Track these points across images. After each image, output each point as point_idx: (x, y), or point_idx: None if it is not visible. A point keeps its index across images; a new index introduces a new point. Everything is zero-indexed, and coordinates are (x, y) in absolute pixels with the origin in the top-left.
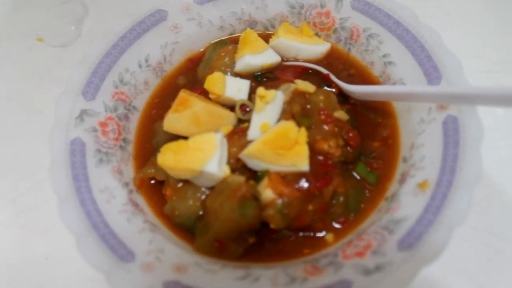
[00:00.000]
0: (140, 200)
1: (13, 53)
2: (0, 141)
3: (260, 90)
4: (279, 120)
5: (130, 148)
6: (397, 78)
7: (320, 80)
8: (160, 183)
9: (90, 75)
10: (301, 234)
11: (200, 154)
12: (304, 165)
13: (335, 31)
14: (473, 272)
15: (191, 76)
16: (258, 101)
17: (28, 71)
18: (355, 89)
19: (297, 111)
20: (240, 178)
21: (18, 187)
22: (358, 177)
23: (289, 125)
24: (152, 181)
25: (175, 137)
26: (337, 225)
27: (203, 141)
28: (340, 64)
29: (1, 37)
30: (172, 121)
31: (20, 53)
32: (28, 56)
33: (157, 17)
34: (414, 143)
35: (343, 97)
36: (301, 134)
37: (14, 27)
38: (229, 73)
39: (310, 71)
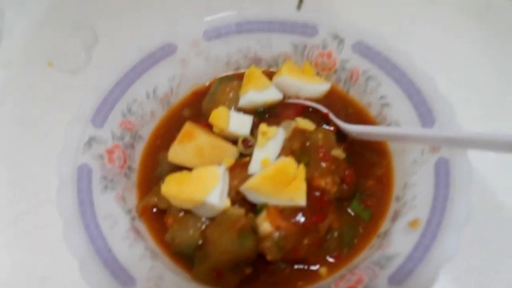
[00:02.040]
0: (142, 227)
1: (23, 77)
2: (5, 163)
3: (263, 127)
4: (279, 155)
5: (134, 176)
6: (393, 120)
7: (320, 118)
8: (162, 212)
9: (100, 103)
10: (295, 266)
11: (202, 185)
12: (301, 200)
13: (335, 71)
14: None
15: (195, 108)
16: (260, 137)
17: (37, 95)
18: (353, 129)
19: (297, 148)
20: (240, 211)
21: (21, 208)
22: (352, 214)
23: (289, 162)
24: (154, 210)
25: (178, 168)
26: (330, 259)
27: (206, 173)
28: (339, 103)
29: (12, 62)
30: (176, 152)
31: (31, 78)
32: (39, 81)
33: (166, 51)
34: (407, 183)
35: (341, 136)
36: (300, 171)
37: (26, 52)
38: (233, 108)
39: (310, 109)
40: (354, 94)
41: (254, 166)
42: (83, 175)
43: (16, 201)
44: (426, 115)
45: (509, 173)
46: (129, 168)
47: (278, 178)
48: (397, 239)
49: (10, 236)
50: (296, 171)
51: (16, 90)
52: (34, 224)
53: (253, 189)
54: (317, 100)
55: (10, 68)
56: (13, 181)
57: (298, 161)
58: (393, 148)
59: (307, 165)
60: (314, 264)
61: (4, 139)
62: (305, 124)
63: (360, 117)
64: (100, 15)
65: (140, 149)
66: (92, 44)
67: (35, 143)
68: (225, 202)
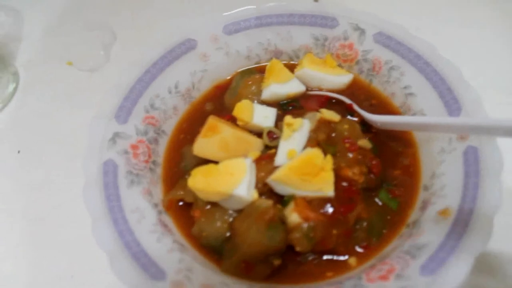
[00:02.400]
0: (169, 221)
1: (44, 76)
2: (30, 160)
3: (288, 119)
4: (305, 147)
5: (159, 170)
6: (418, 109)
7: (344, 110)
8: (188, 205)
9: (122, 99)
10: (324, 257)
11: (230, 178)
12: (329, 191)
13: (357, 62)
14: None
15: (218, 102)
16: (285, 129)
17: (58, 93)
18: (377, 119)
19: (323, 139)
20: (268, 202)
21: (48, 206)
22: (380, 204)
23: (316, 152)
24: (180, 203)
25: (202, 161)
26: (360, 250)
27: (233, 166)
28: (362, 94)
29: (33, 61)
30: (201, 146)
31: (51, 76)
32: (59, 80)
33: (187, 46)
34: (435, 172)
35: (365, 126)
36: (327, 161)
37: (46, 52)
38: (256, 101)
39: (334, 100)
40: (377, 84)
41: (280, 158)
42: (109, 171)
43: (43, 199)
44: (452, 103)
45: None
46: (154, 162)
47: (305, 169)
48: (428, 228)
49: (39, 233)
50: (323, 162)
51: (37, 89)
52: (62, 221)
53: (280, 180)
54: (340, 92)
55: (30, 68)
56: (38, 179)
57: (325, 152)
58: (419, 137)
59: (333, 155)
60: (343, 254)
61: (27, 138)
62: (330, 115)
63: (384, 107)
64: (117, 14)
65: (164, 144)
66: (110, 42)
67: (58, 141)
68: (253, 194)
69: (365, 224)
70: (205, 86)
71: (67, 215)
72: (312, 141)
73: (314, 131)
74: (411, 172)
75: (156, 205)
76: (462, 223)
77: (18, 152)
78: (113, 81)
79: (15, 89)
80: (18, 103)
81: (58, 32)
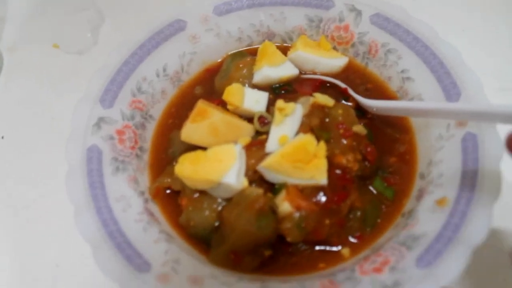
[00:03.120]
0: (156, 209)
1: (29, 59)
2: (14, 147)
3: (280, 103)
4: (297, 133)
5: (146, 157)
6: (415, 94)
7: (338, 94)
8: (176, 193)
9: (108, 82)
10: (316, 248)
11: (218, 165)
12: (322, 179)
13: (353, 45)
14: None
15: (208, 86)
16: (277, 114)
17: (44, 77)
18: (373, 104)
19: (316, 125)
20: (258, 191)
21: (32, 193)
22: (375, 192)
23: (308, 139)
24: (168, 191)
25: (191, 148)
26: (353, 240)
27: (222, 152)
28: (357, 78)
29: (18, 44)
30: (190, 131)
31: (37, 60)
32: (45, 63)
33: (176, 27)
34: (432, 160)
35: (361, 112)
36: (320, 148)
37: (31, 33)
38: (247, 85)
39: (328, 84)
40: (373, 68)
41: (272, 144)
42: (93, 157)
43: (26, 187)
44: (450, 88)
45: None
46: (141, 148)
47: (297, 156)
48: (424, 218)
49: (22, 223)
50: (316, 148)
51: (22, 73)
52: (48, 209)
53: (271, 168)
54: (334, 76)
55: (15, 51)
56: (23, 166)
57: (318, 138)
58: (416, 123)
59: (327, 142)
60: (336, 245)
61: (12, 123)
62: (324, 99)
63: (380, 91)
64: None
65: (151, 129)
66: (98, 24)
67: (43, 126)
68: (243, 182)
69: (359, 213)
70: (195, 69)
71: (52, 203)
72: (305, 127)
73: (307, 116)
74: (407, 160)
75: (142, 193)
76: (459, 213)
77: (2, 137)
78: (101, 64)
79: None
80: (2, 87)
81: (44, 13)
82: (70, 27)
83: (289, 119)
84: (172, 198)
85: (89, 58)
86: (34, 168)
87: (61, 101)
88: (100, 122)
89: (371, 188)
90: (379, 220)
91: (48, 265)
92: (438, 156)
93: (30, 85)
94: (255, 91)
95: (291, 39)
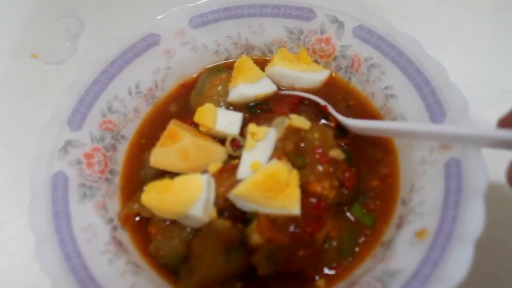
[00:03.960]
0: (125, 237)
1: (6, 69)
2: None
3: (252, 127)
4: (271, 158)
5: (117, 179)
6: (399, 113)
7: (317, 112)
8: (146, 220)
9: (76, 103)
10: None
11: (185, 195)
12: (295, 209)
13: (335, 58)
14: None
15: (183, 103)
16: (249, 138)
17: (21, 89)
18: (354, 124)
19: (290, 150)
20: (226, 223)
21: (4, 214)
22: (353, 219)
23: (280, 167)
24: (137, 218)
25: (164, 170)
26: (329, 271)
27: (189, 182)
28: (339, 94)
29: None
30: (159, 156)
31: (14, 70)
32: (22, 74)
33: (149, 41)
34: (414, 185)
35: (341, 131)
36: (293, 177)
37: (10, 42)
38: (222, 103)
39: (307, 102)
40: (356, 83)
41: (243, 170)
42: (58, 184)
43: None
44: (435, 108)
45: None
46: (111, 171)
47: (269, 184)
48: (402, 251)
49: None
50: (288, 177)
51: None
52: (6, 238)
53: (242, 196)
54: (315, 91)
55: None
56: None
57: (292, 163)
58: (399, 143)
59: (302, 168)
60: (312, 276)
61: None
62: (300, 121)
63: (363, 109)
64: (88, 5)
65: (123, 150)
66: (77, 33)
67: (17, 141)
68: (211, 213)
69: (335, 243)
70: (170, 85)
71: (14, 231)
72: (279, 152)
73: (282, 140)
74: (389, 183)
75: (111, 220)
76: (439, 248)
77: None
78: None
79: None
80: None
81: (24, 22)
82: (49, 36)
83: (261, 144)
84: (142, 225)
85: (67, 69)
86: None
87: (35, 115)
88: (67, 146)
89: (348, 214)
90: (356, 249)
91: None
92: (420, 181)
93: (5, 96)
94: (229, 112)
95: (270, 52)
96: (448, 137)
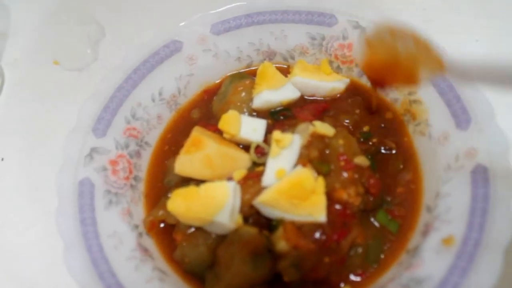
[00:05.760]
0: (150, 244)
1: (30, 76)
2: (9, 168)
3: (277, 134)
4: (296, 165)
5: (141, 186)
6: (423, 118)
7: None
8: (171, 226)
9: (101, 110)
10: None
11: (211, 202)
12: (321, 216)
13: (357, 65)
14: None
15: (205, 109)
16: (273, 146)
17: (43, 95)
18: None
19: (315, 157)
20: (253, 230)
21: (24, 222)
22: (378, 225)
23: (306, 175)
24: (162, 224)
25: (187, 177)
26: (355, 278)
27: (215, 189)
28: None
29: (19, 60)
30: (183, 164)
31: (37, 77)
32: (45, 80)
33: (171, 48)
34: (440, 192)
35: (365, 134)
36: (319, 184)
37: (33, 49)
38: (245, 109)
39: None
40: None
41: (268, 177)
42: (85, 191)
43: (18, 213)
44: (460, 113)
45: None
46: (136, 178)
47: (294, 192)
48: (429, 258)
49: (13, 248)
50: (314, 185)
51: (22, 91)
52: (36, 241)
53: (267, 204)
54: (337, 98)
55: (17, 67)
56: (18, 189)
57: (317, 171)
58: (422, 150)
59: (327, 175)
60: (337, 283)
61: (10, 141)
62: (324, 128)
63: (385, 114)
64: (108, 10)
65: (147, 157)
66: (98, 39)
67: (41, 147)
68: (237, 220)
69: (360, 250)
70: (192, 91)
71: (44, 235)
72: (304, 159)
73: (306, 148)
74: (413, 189)
75: (136, 226)
76: (466, 256)
77: (2, 159)
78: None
79: (0, 89)
80: (2, 106)
81: (46, 29)
82: (71, 42)
83: (286, 151)
84: (167, 232)
85: (89, 75)
86: (30, 192)
87: (59, 120)
88: (92, 152)
89: (373, 220)
90: (382, 256)
91: None
92: (446, 188)
93: (30, 103)
94: (253, 119)
95: (292, 58)
96: None
